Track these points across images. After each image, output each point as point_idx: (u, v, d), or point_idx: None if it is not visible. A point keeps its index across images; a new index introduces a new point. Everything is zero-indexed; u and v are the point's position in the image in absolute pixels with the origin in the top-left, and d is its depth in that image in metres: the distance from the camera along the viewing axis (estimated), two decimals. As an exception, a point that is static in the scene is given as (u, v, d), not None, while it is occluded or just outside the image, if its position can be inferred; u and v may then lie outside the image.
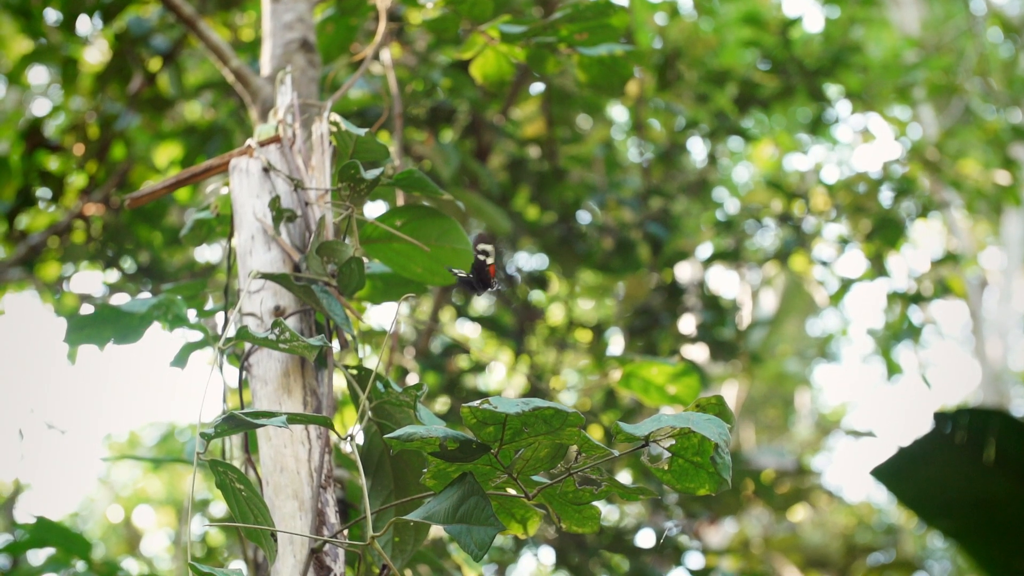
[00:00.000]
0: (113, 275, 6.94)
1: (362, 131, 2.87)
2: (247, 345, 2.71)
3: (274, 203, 2.80)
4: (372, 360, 5.61)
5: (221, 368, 2.89)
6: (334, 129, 2.95)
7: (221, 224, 3.23)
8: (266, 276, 2.71)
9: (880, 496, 16.82)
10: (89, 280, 7.23)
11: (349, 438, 2.45)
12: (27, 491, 13.82)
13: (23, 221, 6.95)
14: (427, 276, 3.01)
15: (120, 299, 6.63)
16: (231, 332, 2.56)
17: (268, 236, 2.84)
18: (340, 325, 2.68)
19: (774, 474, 8.10)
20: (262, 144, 3.02)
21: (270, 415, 2.24)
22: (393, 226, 2.89)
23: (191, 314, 3.31)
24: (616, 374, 3.83)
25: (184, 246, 6.46)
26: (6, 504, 11.17)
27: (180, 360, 3.42)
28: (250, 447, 2.84)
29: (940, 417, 4.14)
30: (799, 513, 12.11)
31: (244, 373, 2.72)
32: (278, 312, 2.75)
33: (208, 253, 7.26)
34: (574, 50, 3.50)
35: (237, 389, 2.75)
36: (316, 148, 2.97)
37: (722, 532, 12.80)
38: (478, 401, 2.09)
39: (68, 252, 6.78)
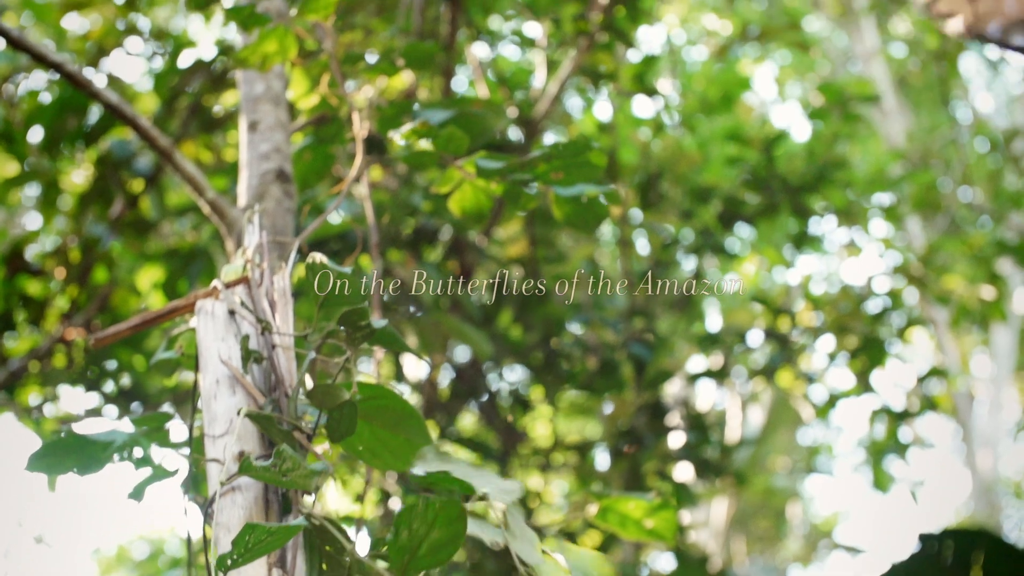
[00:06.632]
0: (94, 399, 6.88)
1: (347, 269, 2.82)
2: (210, 492, 2.66)
3: (244, 343, 2.76)
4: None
5: (187, 513, 2.84)
6: (311, 262, 2.91)
7: (188, 360, 3.20)
8: (251, 416, 2.65)
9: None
10: (74, 399, 7.17)
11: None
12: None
13: (3, 346, 6.92)
14: (391, 460, 2.94)
15: (90, 426, 6.57)
16: (191, 475, 2.51)
17: (233, 379, 2.80)
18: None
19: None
20: (228, 285, 2.99)
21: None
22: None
23: (154, 450, 3.26)
24: (593, 509, 3.78)
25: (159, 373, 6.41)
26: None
27: (137, 493, 3.35)
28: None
29: (926, 538, 4.07)
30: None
31: (208, 520, 2.67)
32: (242, 458, 2.70)
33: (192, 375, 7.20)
34: (550, 188, 3.49)
35: (202, 538, 2.70)
36: (279, 299, 2.93)
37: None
38: None
39: (49, 376, 6.73)
